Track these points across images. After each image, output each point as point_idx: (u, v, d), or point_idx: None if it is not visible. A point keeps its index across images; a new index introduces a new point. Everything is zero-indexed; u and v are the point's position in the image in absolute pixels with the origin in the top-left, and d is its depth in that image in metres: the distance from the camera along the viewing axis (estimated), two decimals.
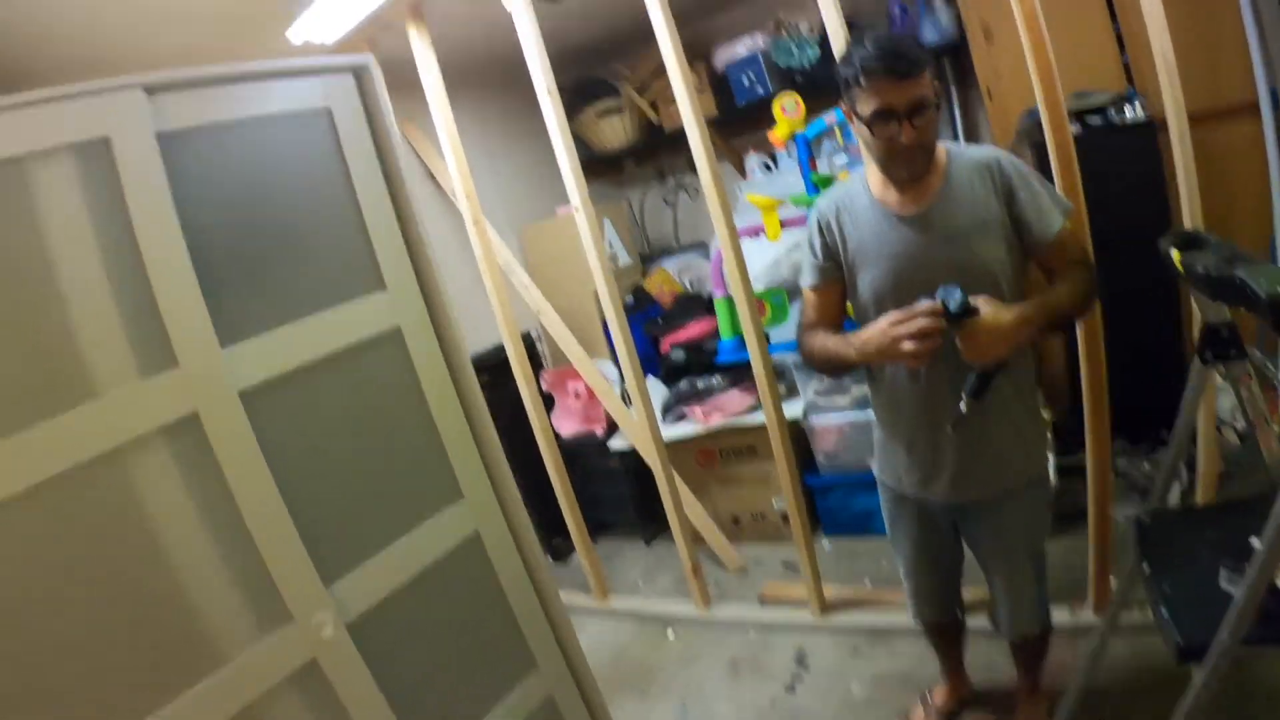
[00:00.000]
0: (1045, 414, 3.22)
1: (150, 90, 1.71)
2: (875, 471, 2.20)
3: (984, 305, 1.69)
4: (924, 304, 1.70)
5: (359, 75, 2.12)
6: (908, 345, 1.69)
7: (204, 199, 1.78)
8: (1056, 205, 1.87)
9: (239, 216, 1.85)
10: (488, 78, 4.50)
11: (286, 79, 1.99)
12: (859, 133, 1.85)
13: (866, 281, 1.93)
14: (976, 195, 1.84)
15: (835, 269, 2.01)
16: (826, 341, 1.96)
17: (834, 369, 2.03)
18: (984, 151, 1.92)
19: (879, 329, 1.75)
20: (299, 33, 3.08)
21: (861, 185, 1.97)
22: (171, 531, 1.61)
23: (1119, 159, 3.01)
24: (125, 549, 1.56)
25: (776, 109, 3.30)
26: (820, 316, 2.05)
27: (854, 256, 1.95)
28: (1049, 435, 3.00)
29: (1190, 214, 2.30)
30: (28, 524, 1.45)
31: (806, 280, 2.07)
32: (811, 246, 2.04)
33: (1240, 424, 3.00)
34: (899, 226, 1.87)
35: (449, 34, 3.34)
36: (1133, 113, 3.19)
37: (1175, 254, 1.70)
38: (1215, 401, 2.55)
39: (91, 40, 2.66)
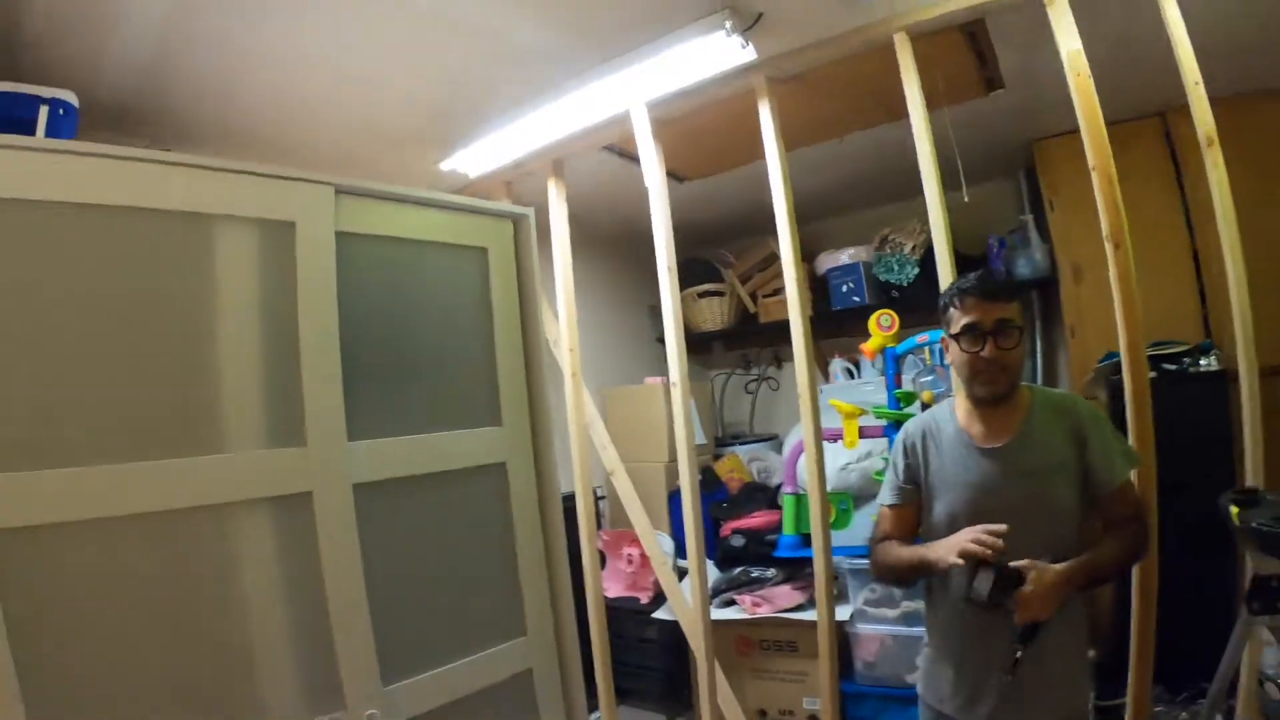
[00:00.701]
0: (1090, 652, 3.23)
1: (340, 191, 1.96)
2: (919, 689, 2.22)
3: (1029, 569, 1.78)
4: (1004, 526, 1.79)
5: (518, 225, 2.37)
6: (972, 546, 1.78)
7: (362, 303, 2.00)
8: (1127, 458, 1.98)
9: (388, 327, 2.07)
10: (600, 240, 4.83)
11: (457, 213, 2.23)
12: (950, 353, 2.02)
13: (942, 505, 2.03)
14: (1054, 437, 1.97)
15: (915, 491, 2.12)
16: (901, 551, 2.05)
17: (903, 576, 2.12)
18: (1065, 395, 2.09)
19: (964, 535, 1.84)
20: (450, 163, 3.42)
21: (949, 413, 2.11)
22: (255, 593, 1.75)
23: (1190, 407, 3.10)
24: (208, 595, 1.70)
25: (873, 322, 3.48)
26: (894, 532, 2.15)
27: (934, 481, 2.07)
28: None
29: (1253, 468, 2.36)
30: (129, 547, 1.60)
31: (886, 498, 2.18)
32: (895, 466, 2.17)
33: None
34: (980, 458, 1.99)
35: (576, 193, 3.65)
36: (1207, 363, 3.32)
37: (1234, 510, 1.87)
38: (1260, 655, 2.54)
39: (278, 122, 3.01)
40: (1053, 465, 1.92)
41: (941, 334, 2.05)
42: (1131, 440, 2.37)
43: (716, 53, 2.67)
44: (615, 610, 3.94)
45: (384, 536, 1.94)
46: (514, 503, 2.28)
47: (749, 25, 2.59)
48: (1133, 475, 2.00)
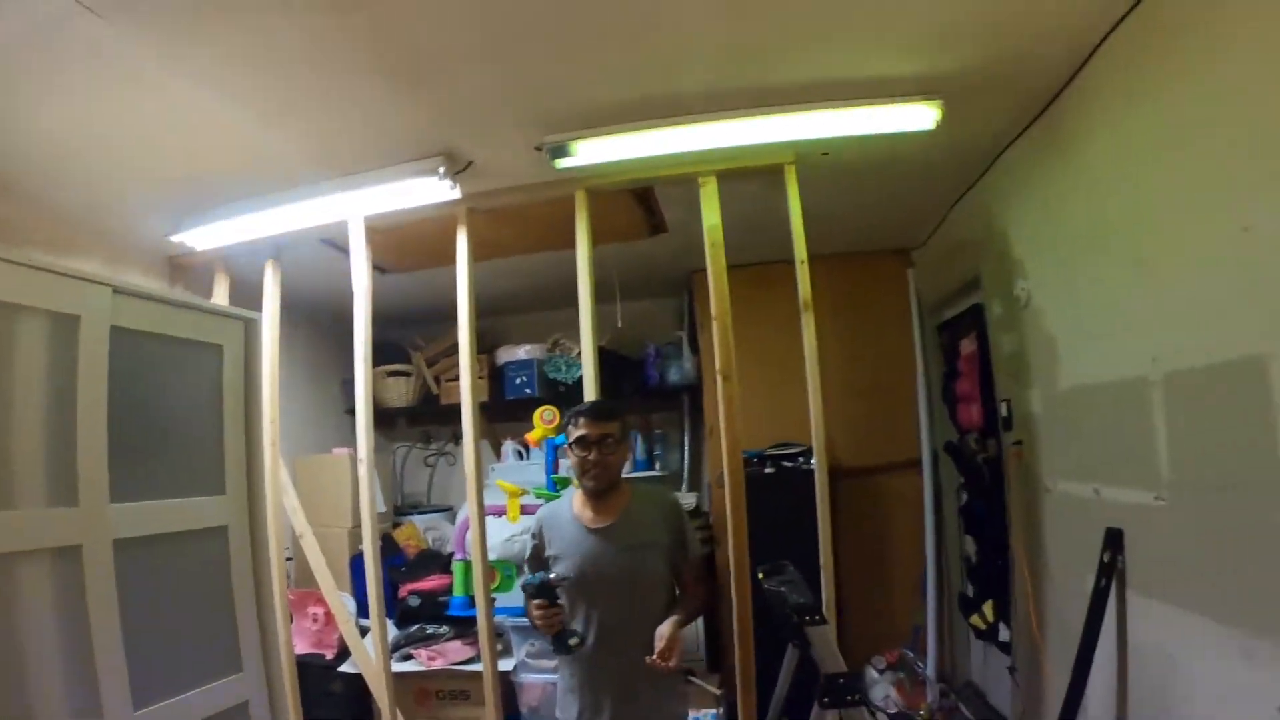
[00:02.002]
0: (714, 689, 4.14)
1: (116, 291, 2.41)
2: (557, 713, 2.89)
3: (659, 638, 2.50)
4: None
5: (248, 326, 2.89)
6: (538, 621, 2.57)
7: (121, 388, 2.43)
8: (698, 540, 2.85)
9: (140, 409, 2.55)
10: (301, 315, 5.22)
11: (202, 313, 2.73)
12: (569, 457, 2.76)
13: (559, 570, 2.73)
14: (648, 522, 2.73)
15: (542, 562, 2.83)
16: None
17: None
18: (663, 493, 2.98)
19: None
20: (180, 235, 3.66)
21: (568, 503, 2.84)
22: (33, 632, 2.16)
23: (800, 495, 3.72)
24: None
25: (537, 416, 4.19)
26: None
27: (554, 552, 2.78)
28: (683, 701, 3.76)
29: (823, 547, 3.29)
30: None
31: (526, 567, 2.91)
32: (531, 539, 2.88)
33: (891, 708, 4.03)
34: (587, 535, 2.70)
35: (286, 271, 4.02)
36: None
37: (761, 574, 2.80)
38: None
39: (36, 173, 3.08)
40: (646, 543, 2.71)
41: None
42: (729, 522, 3.27)
43: (429, 189, 3.30)
44: (302, 665, 4.30)
45: (136, 584, 2.40)
46: (233, 559, 2.78)
47: (460, 169, 3.28)
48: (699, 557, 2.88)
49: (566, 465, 4.58)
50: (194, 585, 2.64)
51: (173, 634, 2.53)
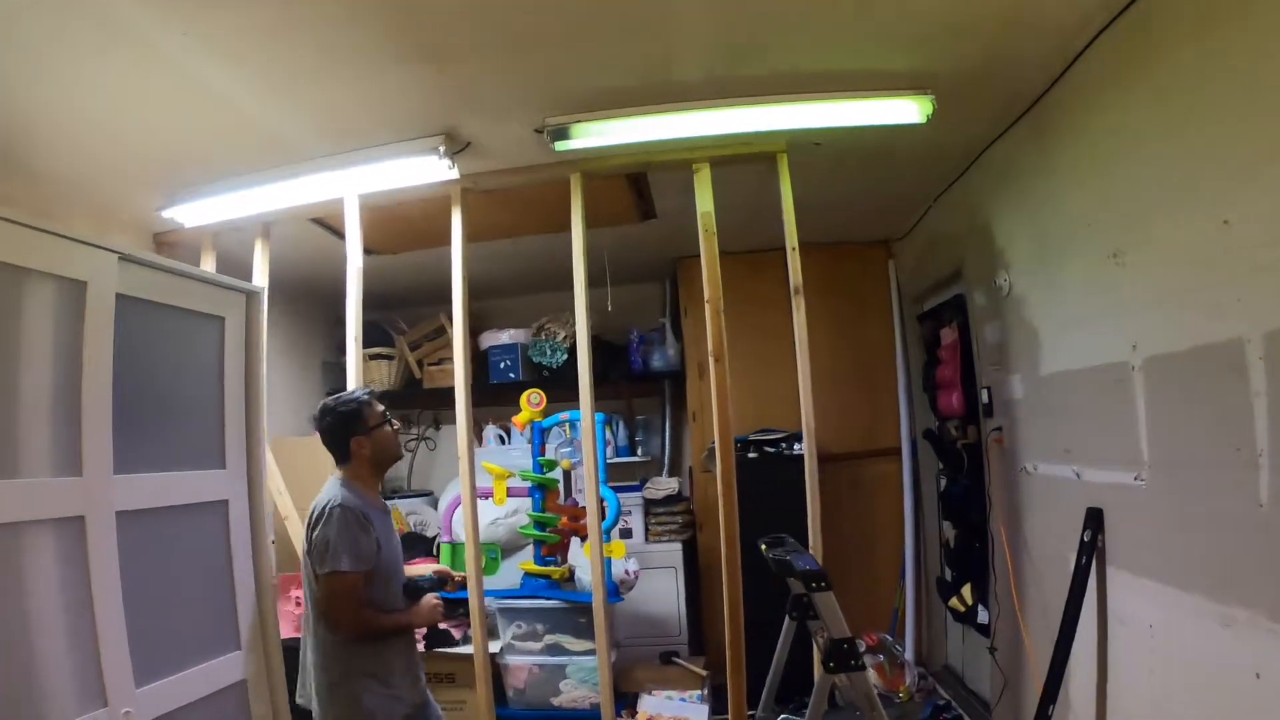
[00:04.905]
0: (699, 670, 4.24)
1: (123, 258, 2.37)
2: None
3: None
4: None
5: (250, 298, 2.85)
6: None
7: (124, 357, 2.39)
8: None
9: (142, 379, 2.49)
10: (282, 295, 5.15)
11: (206, 284, 2.68)
12: (379, 441, 2.82)
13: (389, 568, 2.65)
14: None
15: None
16: (385, 620, 2.60)
17: (387, 636, 2.62)
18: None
19: (431, 604, 2.72)
20: (171, 211, 3.61)
21: (354, 491, 2.62)
22: (36, 605, 2.11)
23: (784, 480, 3.94)
24: None
25: (524, 399, 4.19)
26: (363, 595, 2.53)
27: (378, 536, 2.59)
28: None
29: (813, 528, 3.32)
30: None
31: (359, 566, 2.47)
32: (362, 531, 2.52)
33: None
34: (386, 518, 2.77)
35: (271, 250, 3.93)
36: (799, 448, 4.29)
37: (764, 547, 2.87)
38: None
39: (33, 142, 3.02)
40: None
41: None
42: (720, 501, 3.28)
43: (428, 168, 3.29)
44: (286, 649, 4.26)
45: (137, 558, 2.35)
46: (233, 535, 2.74)
47: (459, 149, 3.25)
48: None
49: (554, 447, 4.62)
50: (193, 560, 2.60)
51: (173, 609, 2.49)
